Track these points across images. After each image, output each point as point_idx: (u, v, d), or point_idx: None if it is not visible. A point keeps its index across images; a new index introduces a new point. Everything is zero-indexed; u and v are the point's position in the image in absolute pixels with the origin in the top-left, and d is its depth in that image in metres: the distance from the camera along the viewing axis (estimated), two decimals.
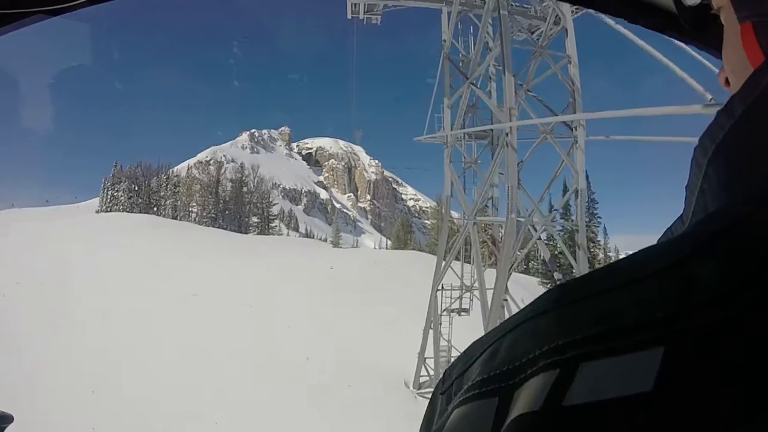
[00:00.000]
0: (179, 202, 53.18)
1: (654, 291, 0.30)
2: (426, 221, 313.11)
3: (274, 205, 56.08)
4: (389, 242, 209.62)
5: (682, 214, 0.48)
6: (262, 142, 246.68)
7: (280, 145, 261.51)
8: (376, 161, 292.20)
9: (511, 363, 0.33)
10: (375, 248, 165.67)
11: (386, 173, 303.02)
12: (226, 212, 52.59)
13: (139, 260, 28.09)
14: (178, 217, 54.51)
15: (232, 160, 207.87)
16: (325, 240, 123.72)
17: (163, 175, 55.77)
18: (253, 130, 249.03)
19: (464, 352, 0.42)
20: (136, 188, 55.73)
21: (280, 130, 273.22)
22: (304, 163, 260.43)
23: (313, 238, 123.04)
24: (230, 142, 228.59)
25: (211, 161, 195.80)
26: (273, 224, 54.60)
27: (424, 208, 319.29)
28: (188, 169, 58.66)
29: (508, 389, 0.32)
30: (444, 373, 0.44)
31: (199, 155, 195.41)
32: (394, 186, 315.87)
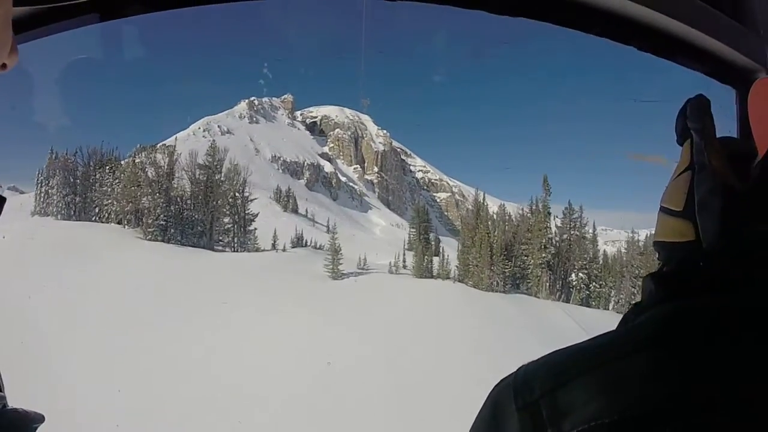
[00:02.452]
0: (122, 203, 40.74)
1: None
2: (435, 194, 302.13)
3: (252, 200, 43.06)
4: (401, 221, 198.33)
5: None
6: (262, 111, 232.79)
7: (282, 114, 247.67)
8: (384, 131, 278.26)
9: (658, 404, 0.30)
10: (388, 229, 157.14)
11: (395, 144, 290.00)
12: (184, 215, 39.93)
13: None
14: (125, 223, 42.30)
15: (228, 131, 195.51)
16: (328, 230, 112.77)
17: (121, 162, 43.75)
18: (252, 98, 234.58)
19: (548, 358, 0.40)
20: (74, 183, 43.62)
21: (282, 98, 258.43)
22: (308, 133, 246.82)
23: (314, 223, 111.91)
24: (226, 111, 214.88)
25: (204, 134, 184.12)
26: (251, 228, 42.21)
27: (433, 181, 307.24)
28: (147, 154, 45.21)
29: None
30: (513, 382, 0.41)
31: (191, 127, 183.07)
32: (403, 157, 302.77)
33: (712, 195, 0.54)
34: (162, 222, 39.95)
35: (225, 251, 41.57)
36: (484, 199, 45.25)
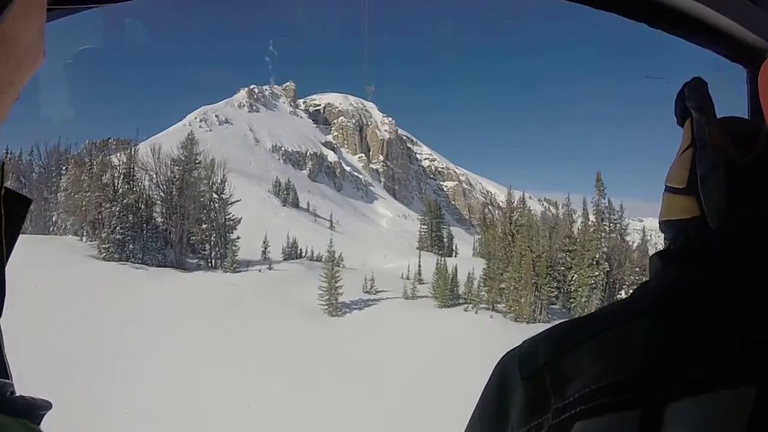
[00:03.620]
0: (70, 212, 33.20)
1: None
2: (442, 183, 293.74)
3: (235, 202, 34.92)
4: (408, 211, 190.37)
5: None
6: (262, 99, 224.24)
7: (284, 103, 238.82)
8: (390, 118, 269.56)
9: (663, 363, 0.29)
10: (395, 221, 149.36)
11: (400, 131, 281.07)
12: (147, 226, 32.12)
13: None
14: (82, 236, 35.09)
15: (226, 121, 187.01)
16: (331, 225, 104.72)
17: (88, 162, 36.23)
18: (252, 86, 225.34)
19: (554, 329, 0.39)
20: (28, 187, 36.22)
21: (284, 85, 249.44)
22: (311, 121, 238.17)
23: (315, 218, 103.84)
24: (225, 100, 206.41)
25: (201, 124, 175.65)
26: (232, 236, 34.27)
27: (439, 169, 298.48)
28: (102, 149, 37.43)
29: (657, 401, 0.28)
30: (519, 352, 0.40)
31: (186, 117, 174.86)
32: (409, 146, 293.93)
33: (714, 169, 0.55)
34: (118, 236, 32.11)
35: (197, 270, 33.70)
36: (524, 201, 36.56)
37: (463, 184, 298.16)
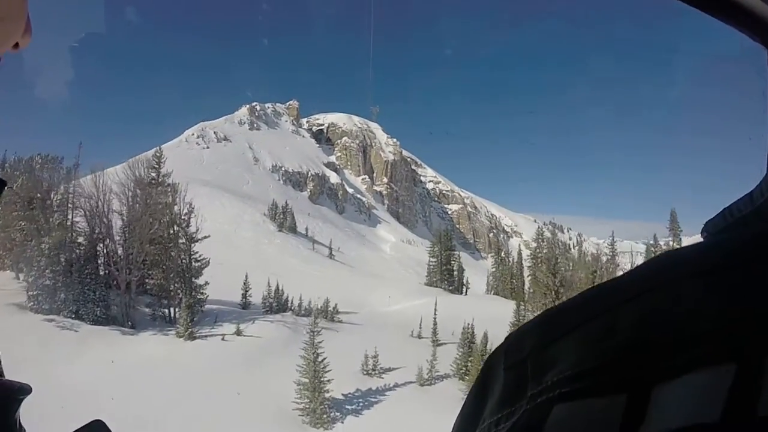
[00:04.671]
0: None
1: None
2: (447, 206, 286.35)
3: (202, 239, 27.29)
4: (412, 236, 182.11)
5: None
6: (264, 117, 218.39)
7: (286, 121, 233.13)
8: (394, 140, 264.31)
9: (647, 346, 0.29)
10: (398, 246, 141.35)
11: (405, 153, 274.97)
12: (88, 268, 24.27)
13: None
14: (17, 274, 27.04)
15: (225, 138, 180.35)
16: (330, 253, 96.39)
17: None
18: (254, 103, 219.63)
19: (541, 317, 0.38)
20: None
21: (287, 104, 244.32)
22: (313, 141, 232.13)
23: (313, 244, 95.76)
24: (225, 117, 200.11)
25: (198, 140, 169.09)
26: (198, 282, 26.71)
27: (444, 192, 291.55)
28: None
29: (643, 384, 0.27)
30: (508, 340, 0.39)
31: (184, 133, 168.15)
32: (413, 167, 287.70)
33: None
34: (47, 281, 24.48)
35: (148, 329, 25.92)
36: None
37: (468, 208, 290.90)
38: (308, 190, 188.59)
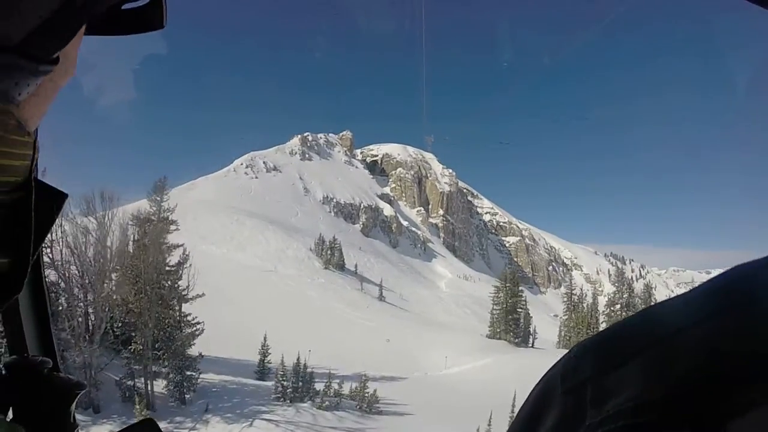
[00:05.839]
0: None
1: None
2: (504, 238, 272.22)
3: (196, 298, 18.69)
4: (469, 271, 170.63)
5: None
6: (316, 147, 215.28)
7: (339, 152, 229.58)
8: (450, 170, 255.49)
9: (718, 376, 0.26)
10: (454, 282, 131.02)
11: (461, 184, 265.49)
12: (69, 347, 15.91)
13: None
14: None
15: (275, 168, 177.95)
16: (381, 295, 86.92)
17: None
18: (306, 133, 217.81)
19: (600, 339, 0.36)
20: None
21: (340, 134, 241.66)
22: (367, 172, 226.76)
23: (361, 283, 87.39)
24: (276, 146, 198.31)
25: (247, 170, 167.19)
26: (192, 355, 18.60)
27: (501, 223, 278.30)
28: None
29: (716, 418, 0.25)
30: (564, 365, 0.37)
31: (233, 163, 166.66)
32: (470, 198, 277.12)
33: None
34: None
35: (109, 417, 18.12)
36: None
37: (526, 240, 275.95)
38: (360, 222, 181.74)
